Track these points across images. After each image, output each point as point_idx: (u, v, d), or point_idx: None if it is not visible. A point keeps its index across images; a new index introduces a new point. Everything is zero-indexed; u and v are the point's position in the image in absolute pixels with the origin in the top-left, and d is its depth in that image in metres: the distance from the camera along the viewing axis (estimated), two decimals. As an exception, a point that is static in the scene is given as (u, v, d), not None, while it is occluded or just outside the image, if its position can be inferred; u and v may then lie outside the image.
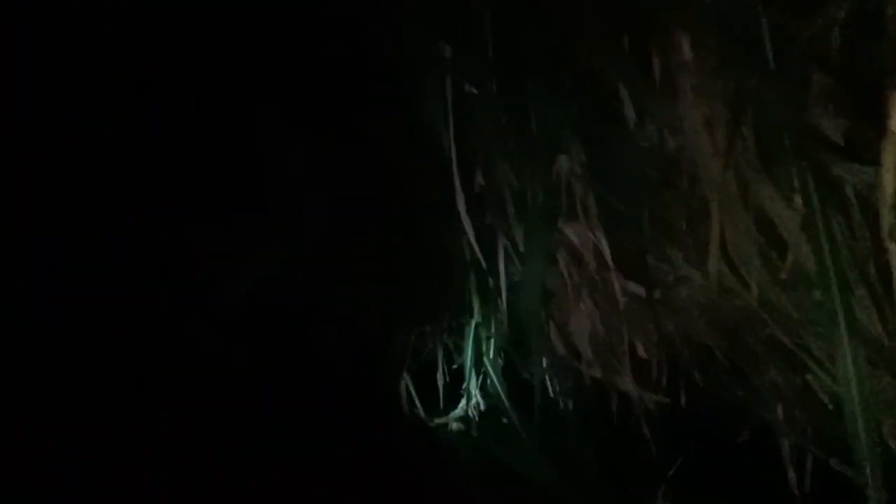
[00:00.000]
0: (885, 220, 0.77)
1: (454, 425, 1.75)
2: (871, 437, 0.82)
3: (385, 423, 1.73)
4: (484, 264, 1.39)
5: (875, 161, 0.81)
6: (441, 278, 1.66)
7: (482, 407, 1.72)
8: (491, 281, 1.40)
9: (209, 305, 1.63)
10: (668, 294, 1.21)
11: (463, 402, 1.74)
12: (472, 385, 1.71)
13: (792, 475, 1.28)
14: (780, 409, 1.26)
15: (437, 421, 1.75)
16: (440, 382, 1.77)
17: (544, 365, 1.38)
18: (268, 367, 1.66)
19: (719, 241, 1.09)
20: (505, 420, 1.63)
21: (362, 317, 1.77)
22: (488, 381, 1.69)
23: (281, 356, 1.69)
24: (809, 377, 1.07)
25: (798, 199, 0.98)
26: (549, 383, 1.49)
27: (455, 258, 1.55)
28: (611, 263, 1.15)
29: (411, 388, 1.76)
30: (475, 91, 1.36)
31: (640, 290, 1.20)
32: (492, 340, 1.67)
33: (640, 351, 1.32)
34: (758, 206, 1.06)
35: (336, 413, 1.63)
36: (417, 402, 1.76)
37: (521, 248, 1.33)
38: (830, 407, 1.03)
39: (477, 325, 1.68)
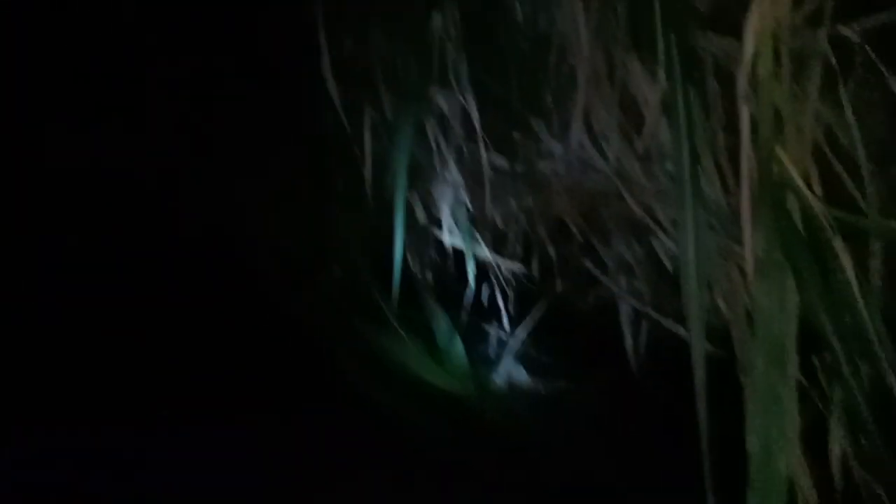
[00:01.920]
0: (741, 85, 0.82)
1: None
2: (702, 293, 0.89)
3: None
4: (349, 131, 1.35)
5: (736, 30, 0.85)
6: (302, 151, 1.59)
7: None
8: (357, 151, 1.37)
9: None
10: (530, 167, 1.25)
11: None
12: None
13: (629, 340, 1.41)
14: (622, 279, 1.37)
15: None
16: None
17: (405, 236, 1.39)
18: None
19: (583, 115, 1.12)
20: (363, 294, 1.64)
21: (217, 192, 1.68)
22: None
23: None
24: (654, 242, 1.16)
25: (662, 74, 1.02)
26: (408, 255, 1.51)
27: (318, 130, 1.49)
28: (480, 133, 1.15)
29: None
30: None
31: (504, 163, 1.23)
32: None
33: (500, 223, 1.37)
34: (622, 82, 1.10)
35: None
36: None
37: (390, 117, 1.30)
38: (671, 270, 1.12)
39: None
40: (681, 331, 1.19)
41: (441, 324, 1.44)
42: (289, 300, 1.50)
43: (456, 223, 1.33)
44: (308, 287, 1.53)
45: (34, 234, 1.55)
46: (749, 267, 0.83)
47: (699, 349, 0.87)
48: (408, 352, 1.42)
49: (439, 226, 1.32)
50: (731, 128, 0.94)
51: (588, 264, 1.35)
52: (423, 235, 1.40)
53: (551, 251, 1.38)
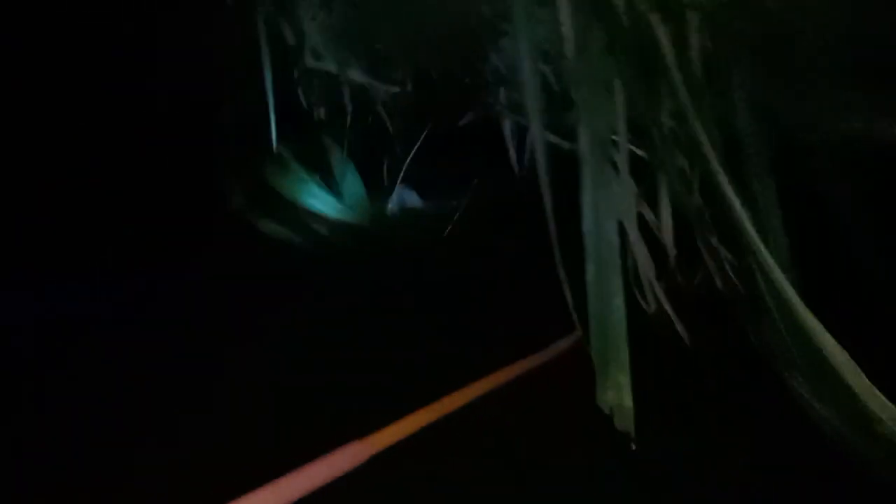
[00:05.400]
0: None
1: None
2: (535, 84, 0.92)
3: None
4: None
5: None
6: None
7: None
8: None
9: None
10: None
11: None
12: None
13: (512, 152, 1.45)
14: (502, 92, 1.38)
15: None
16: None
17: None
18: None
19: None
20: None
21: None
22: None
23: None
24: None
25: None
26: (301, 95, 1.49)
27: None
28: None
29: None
30: None
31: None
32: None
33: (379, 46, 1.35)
34: None
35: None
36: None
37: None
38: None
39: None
40: (550, 137, 1.23)
41: (333, 154, 1.45)
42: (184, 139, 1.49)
43: (323, 45, 1.31)
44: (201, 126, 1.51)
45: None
46: (568, 45, 0.85)
47: (539, 136, 0.91)
48: (301, 183, 1.44)
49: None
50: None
51: (468, 81, 1.35)
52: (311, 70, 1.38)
53: (432, 72, 1.38)
